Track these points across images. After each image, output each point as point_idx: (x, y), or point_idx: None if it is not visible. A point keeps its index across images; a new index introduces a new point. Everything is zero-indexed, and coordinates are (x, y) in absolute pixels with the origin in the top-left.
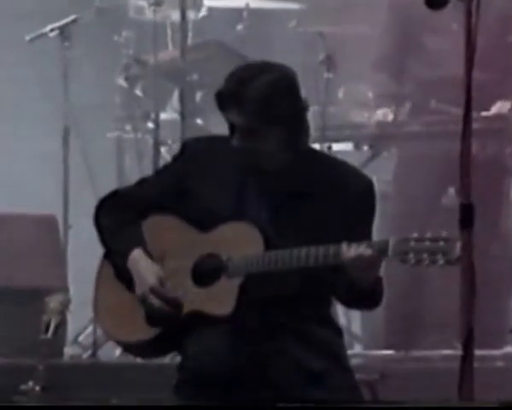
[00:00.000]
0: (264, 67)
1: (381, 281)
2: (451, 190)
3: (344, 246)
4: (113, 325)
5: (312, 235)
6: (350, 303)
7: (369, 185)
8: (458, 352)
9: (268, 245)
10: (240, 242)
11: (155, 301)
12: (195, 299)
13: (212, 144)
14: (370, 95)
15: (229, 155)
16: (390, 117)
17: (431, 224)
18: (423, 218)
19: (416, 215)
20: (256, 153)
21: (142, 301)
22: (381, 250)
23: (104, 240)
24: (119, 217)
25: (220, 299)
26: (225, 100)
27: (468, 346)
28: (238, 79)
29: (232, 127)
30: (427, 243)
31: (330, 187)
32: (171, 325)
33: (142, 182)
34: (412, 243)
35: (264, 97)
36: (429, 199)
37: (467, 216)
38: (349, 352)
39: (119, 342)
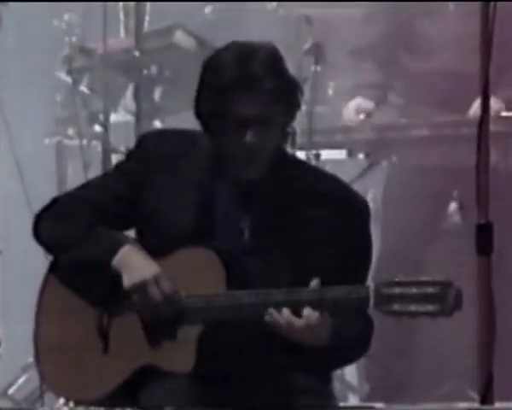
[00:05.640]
0: (257, 46)
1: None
2: (451, 208)
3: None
4: (59, 373)
5: (294, 264)
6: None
7: (363, 209)
8: (476, 405)
9: (233, 278)
10: (198, 274)
11: (154, 292)
12: (150, 349)
13: (176, 141)
14: None
15: (200, 157)
16: (367, 108)
17: (429, 252)
18: (417, 246)
19: (408, 243)
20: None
21: (137, 289)
22: (361, 299)
23: (65, 250)
24: (79, 222)
25: (178, 351)
26: (237, 85)
27: (486, 396)
28: (245, 59)
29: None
30: (414, 290)
31: (317, 205)
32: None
33: (86, 186)
34: (397, 290)
35: (284, 79)
36: (424, 223)
37: (485, 239)
38: (342, 404)
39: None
